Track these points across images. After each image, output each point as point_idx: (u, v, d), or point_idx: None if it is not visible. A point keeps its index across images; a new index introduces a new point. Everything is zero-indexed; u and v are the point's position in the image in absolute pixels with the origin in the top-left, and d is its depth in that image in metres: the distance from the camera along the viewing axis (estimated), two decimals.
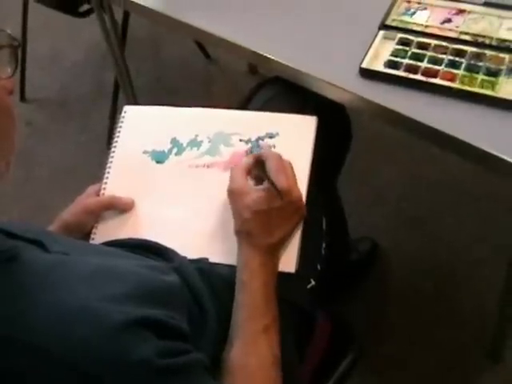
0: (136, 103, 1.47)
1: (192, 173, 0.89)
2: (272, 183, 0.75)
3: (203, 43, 1.99)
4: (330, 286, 0.99)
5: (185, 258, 0.80)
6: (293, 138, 0.89)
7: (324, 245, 0.93)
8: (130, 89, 1.49)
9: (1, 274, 0.56)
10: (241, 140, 0.90)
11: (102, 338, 0.53)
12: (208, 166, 0.89)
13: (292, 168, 0.79)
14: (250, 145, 0.90)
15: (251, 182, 0.79)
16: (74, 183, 1.72)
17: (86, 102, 2.03)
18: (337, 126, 1.05)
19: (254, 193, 0.76)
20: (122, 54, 1.44)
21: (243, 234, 0.77)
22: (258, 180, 0.79)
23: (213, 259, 0.83)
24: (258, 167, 0.79)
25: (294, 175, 0.78)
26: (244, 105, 1.01)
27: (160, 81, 2.05)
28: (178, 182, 0.90)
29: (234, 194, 0.78)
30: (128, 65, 1.46)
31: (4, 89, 0.58)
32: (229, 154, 0.90)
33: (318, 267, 0.90)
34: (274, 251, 0.77)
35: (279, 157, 0.79)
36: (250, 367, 0.70)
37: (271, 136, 0.90)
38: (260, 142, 0.90)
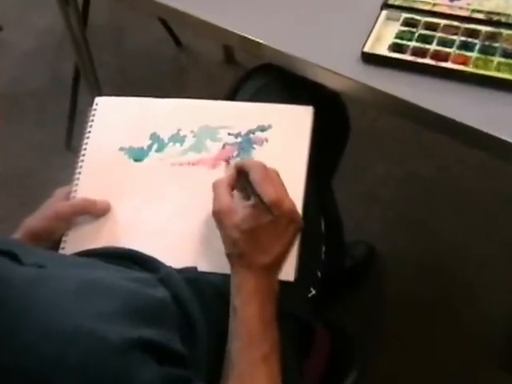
0: (100, 95, 1.45)
1: (175, 172, 0.88)
2: (258, 196, 0.74)
3: (174, 27, 1.97)
4: (325, 295, 0.99)
5: (171, 267, 0.80)
6: (287, 131, 0.89)
7: (324, 249, 0.93)
8: (93, 80, 1.47)
9: None
10: (229, 134, 0.90)
11: (101, 363, 0.53)
12: (193, 164, 0.89)
13: (279, 176, 0.78)
14: (239, 139, 0.89)
15: (238, 196, 0.78)
16: (30, 189, 1.70)
17: (41, 96, 2.00)
18: (334, 117, 1.05)
19: (241, 210, 0.75)
20: (85, 40, 1.41)
21: (234, 256, 0.76)
22: (246, 191, 0.79)
23: (202, 268, 0.82)
24: (242, 179, 0.78)
25: (282, 184, 0.77)
26: (230, 96, 1.00)
27: (124, 72, 2.03)
28: (159, 182, 0.88)
29: (219, 215, 0.77)
30: None
31: None
32: (216, 150, 0.89)
33: (319, 274, 0.90)
34: (270, 270, 0.76)
35: (262, 166, 0.78)
36: None
37: (263, 129, 0.89)
38: (251, 135, 0.89)
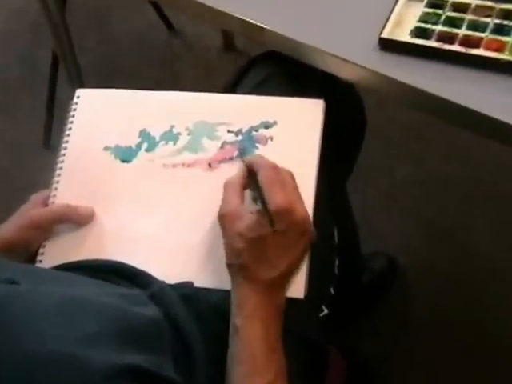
0: (82, 88, 1.46)
1: (168, 174, 0.89)
2: (263, 202, 0.74)
3: (166, 10, 1.98)
4: (340, 314, 0.99)
5: (163, 282, 0.80)
6: (295, 128, 0.89)
7: (337, 262, 0.94)
8: (74, 69, 1.48)
9: None
10: (229, 131, 0.90)
11: None
12: (188, 165, 0.89)
13: (293, 179, 0.78)
14: (240, 137, 0.90)
15: (250, 199, 0.79)
16: (2, 194, 1.71)
17: (13, 88, 2.01)
18: (348, 112, 1.06)
19: (248, 216, 0.75)
20: (64, 22, 1.41)
21: (236, 267, 0.76)
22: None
23: (199, 283, 0.82)
24: (251, 180, 0.78)
25: (296, 189, 0.77)
26: (230, 88, 1.01)
27: (109, 61, 2.04)
28: (150, 186, 0.89)
29: (224, 219, 0.77)
30: None
31: None
32: (214, 150, 0.90)
33: (332, 291, 0.91)
34: (276, 287, 0.77)
35: (273, 166, 0.78)
36: None
37: (267, 126, 0.90)
38: (253, 133, 0.90)
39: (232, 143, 0.90)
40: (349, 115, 1.07)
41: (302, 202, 0.77)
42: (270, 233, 0.74)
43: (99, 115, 0.95)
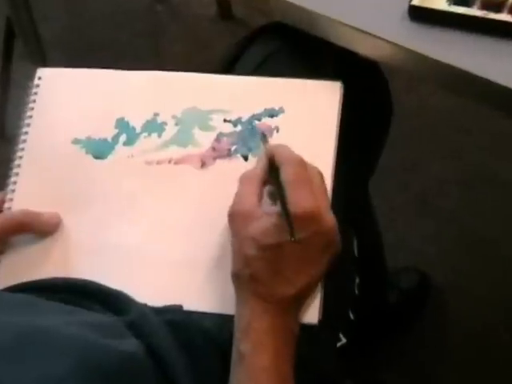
0: (45, 65, 1.46)
1: (151, 173, 0.89)
2: (283, 205, 0.74)
3: None
4: (361, 342, 1.00)
5: (145, 306, 0.80)
6: (306, 117, 0.90)
7: (357, 280, 0.94)
8: (35, 44, 1.48)
9: None
10: (226, 120, 0.90)
11: None
12: (176, 162, 0.89)
13: (323, 179, 0.78)
14: (240, 127, 0.90)
15: (266, 200, 0.78)
16: None
17: None
18: (370, 96, 1.06)
19: (265, 218, 0.75)
20: None
21: (244, 278, 0.76)
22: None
23: (190, 306, 0.82)
24: (271, 175, 0.78)
25: (325, 192, 0.77)
26: (227, 67, 1.01)
27: (79, 33, 2.05)
28: (129, 187, 0.89)
29: (235, 219, 0.77)
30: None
31: None
32: (208, 143, 0.90)
33: (351, 316, 0.91)
34: (291, 307, 0.77)
35: (300, 161, 0.78)
36: None
37: (272, 114, 0.90)
38: (256, 122, 0.90)
39: (229, 135, 0.90)
40: (372, 100, 1.07)
41: (330, 208, 0.77)
42: (289, 241, 0.73)
43: (66, 100, 0.95)
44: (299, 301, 0.77)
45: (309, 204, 0.74)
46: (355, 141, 0.94)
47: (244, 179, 0.80)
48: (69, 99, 0.95)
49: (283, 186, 0.75)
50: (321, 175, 0.78)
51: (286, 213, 0.73)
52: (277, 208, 0.75)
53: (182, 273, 0.84)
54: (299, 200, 0.74)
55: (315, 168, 0.79)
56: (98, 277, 0.83)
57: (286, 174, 0.76)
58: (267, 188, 0.79)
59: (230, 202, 0.79)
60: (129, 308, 0.79)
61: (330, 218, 0.76)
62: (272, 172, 0.78)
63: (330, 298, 0.82)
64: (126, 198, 0.89)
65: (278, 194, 0.76)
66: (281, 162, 0.77)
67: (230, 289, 0.79)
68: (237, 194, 0.79)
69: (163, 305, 0.81)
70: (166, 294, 0.83)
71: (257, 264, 0.75)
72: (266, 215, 0.75)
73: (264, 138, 0.86)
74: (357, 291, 0.94)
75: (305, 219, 0.73)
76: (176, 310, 0.82)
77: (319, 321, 0.80)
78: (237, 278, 0.77)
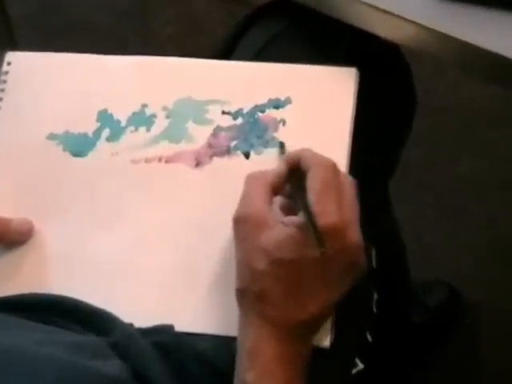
0: (15, 49, 1.46)
1: (139, 173, 0.89)
2: (310, 216, 0.73)
3: None
4: (380, 368, 1.00)
5: (131, 326, 0.81)
6: (316, 109, 0.90)
7: (376, 296, 0.94)
8: (2, 22, 1.49)
9: None
10: (225, 112, 0.91)
11: None
12: (168, 161, 0.89)
13: (354, 187, 0.77)
14: (240, 120, 0.90)
15: (280, 205, 0.78)
16: None
17: None
18: (390, 84, 1.06)
19: (280, 228, 0.75)
20: None
21: (250, 296, 0.76)
22: (295, 201, 0.79)
23: (182, 326, 0.82)
24: (293, 181, 0.78)
25: (355, 204, 0.77)
26: (225, 51, 1.01)
27: (53, 10, 2.06)
28: (113, 189, 0.89)
29: (243, 224, 0.77)
30: None
31: None
32: (204, 138, 0.90)
33: (369, 337, 0.91)
34: (305, 332, 0.77)
35: (332, 165, 0.77)
36: None
37: (278, 105, 0.90)
38: (259, 114, 0.90)
39: (228, 129, 0.90)
40: (392, 89, 1.07)
41: (357, 224, 0.76)
42: (308, 257, 0.73)
43: (40, 89, 0.95)
44: (314, 325, 0.77)
45: (333, 217, 0.73)
46: (373, 136, 0.94)
47: (251, 180, 0.79)
48: (43, 88, 0.95)
49: (309, 193, 0.74)
50: (353, 183, 0.78)
51: (312, 223, 0.72)
52: (297, 219, 0.75)
53: (174, 288, 0.85)
54: (323, 211, 0.73)
55: (349, 178, 0.78)
56: (76, 293, 0.83)
57: (316, 180, 0.75)
58: (279, 198, 0.79)
59: (228, 206, 0.79)
60: (113, 327, 0.79)
61: (355, 236, 0.75)
62: (295, 178, 0.78)
63: (344, 316, 0.81)
64: (109, 202, 0.89)
65: (302, 200, 0.75)
66: (309, 166, 0.77)
67: (230, 307, 0.79)
68: (244, 196, 0.78)
69: (151, 325, 0.81)
70: (155, 313, 0.83)
71: (266, 281, 0.74)
72: (280, 225, 0.75)
73: (282, 147, 0.86)
74: (375, 309, 0.93)
75: (329, 233, 0.72)
76: (166, 330, 0.82)
77: (331, 344, 0.80)
78: (241, 295, 0.77)
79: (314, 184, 0.75)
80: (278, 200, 0.79)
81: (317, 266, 0.74)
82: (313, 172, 0.76)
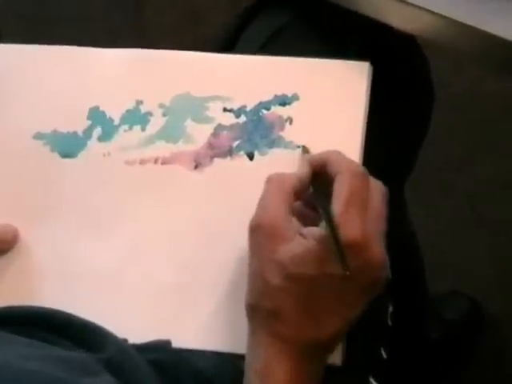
0: None
1: (133, 175, 0.90)
2: (333, 231, 0.72)
3: None
4: None
5: (125, 341, 0.81)
6: (325, 106, 0.90)
7: (391, 308, 0.94)
8: None
9: None
10: (226, 110, 0.91)
11: None
12: (164, 162, 0.90)
13: (383, 200, 0.76)
14: (243, 118, 0.91)
15: (301, 213, 0.78)
16: None
17: None
18: (406, 78, 1.06)
19: (299, 241, 0.74)
20: None
21: (262, 313, 0.76)
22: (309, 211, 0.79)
23: (179, 342, 0.83)
24: (315, 186, 0.78)
25: (382, 216, 0.76)
26: (228, 43, 1.02)
27: (42, 1, 2.06)
28: (105, 193, 0.90)
29: (260, 234, 0.76)
30: None
31: None
32: (204, 138, 0.90)
33: (383, 354, 0.91)
34: (318, 353, 0.77)
35: (363, 172, 0.77)
36: None
37: (284, 102, 0.90)
38: (264, 112, 0.90)
39: (230, 128, 0.90)
40: (408, 84, 1.08)
41: (382, 238, 0.75)
42: (327, 273, 0.73)
43: (26, 85, 0.95)
44: (328, 347, 0.77)
45: (356, 231, 0.73)
46: (387, 135, 0.94)
47: (273, 183, 0.78)
48: (29, 83, 0.95)
49: (333, 204, 0.74)
50: (384, 195, 0.77)
51: (335, 239, 0.71)
52: (317, 230, 0.74)
53: (171, 301, 0.85)
54: (346, 224, 0.72)
55: (379, 185, 0.77)
56: (65, 305, 0.83)
57: (341, 187, 0.75)
58: (298, 204, 0.79)
59: (230, 211, 0.79)
60: (104, 343, 0.79)
61: (379, 251, 0.74)
62: (318, 182, 0.78)
63: (357, 331, 0.81)
64: (101, 206, 0.89)
65: (324, 210, 0.74)
66: (337, 171, 0.76)
67: (234, 322, 0.79)
68: (264, 202, 0.77)
69: (147, 340, 0.82)
70: (151, 327, 0.83)
71: (280, 297, 0.74)
72: (299, 236, 0.74)
73: (304, 149, 0.86)
74: (390, 322, 0.93)
75: (348, 249, 0.71)
76: (163, 346, 0.82)
77: (343, 361, 0.81)
78: (252, 310, 0.77)
79: (340, 192, 0.74)
80: (298, 206, 0.79)
81: (336, 284, 0.73)
82: (340, 178, 0.75)
